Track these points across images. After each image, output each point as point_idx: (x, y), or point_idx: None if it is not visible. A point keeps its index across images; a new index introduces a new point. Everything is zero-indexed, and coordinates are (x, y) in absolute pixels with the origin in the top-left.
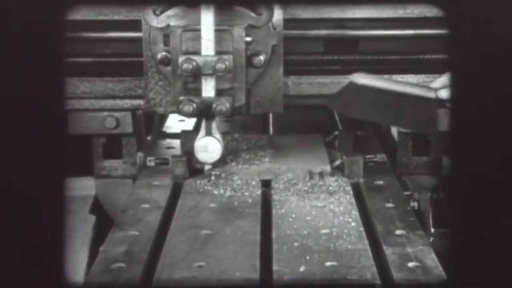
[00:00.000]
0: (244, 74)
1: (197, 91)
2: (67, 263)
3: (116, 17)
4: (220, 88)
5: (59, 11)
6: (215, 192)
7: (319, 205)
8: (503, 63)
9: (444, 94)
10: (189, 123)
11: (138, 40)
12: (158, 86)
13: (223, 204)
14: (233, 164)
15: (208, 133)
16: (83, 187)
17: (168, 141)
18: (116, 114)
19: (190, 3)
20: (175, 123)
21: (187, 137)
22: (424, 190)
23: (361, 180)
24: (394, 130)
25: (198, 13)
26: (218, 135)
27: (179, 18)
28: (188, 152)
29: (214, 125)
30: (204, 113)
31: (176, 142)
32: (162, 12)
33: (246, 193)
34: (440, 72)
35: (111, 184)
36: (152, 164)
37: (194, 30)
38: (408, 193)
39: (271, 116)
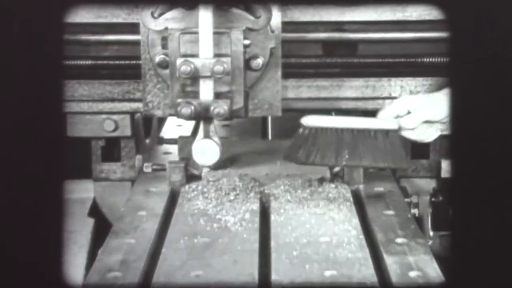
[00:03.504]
0: (243, 77)
1: (195, 94)
2: (65, 265)
3: (114, 20)
4: (218, 91)
5: (57, 14)
6: (213, 199)
7: (319, 212)
8: (504, 65)
9: (406, 123)
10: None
11: (136, 43)
12: (156, 89)
13: (222, 211)
14: (231, 170)
15: (206, 135)
16: (82, 190)
17: (166, 146)
18: (115, 117)
19: (189, 5)
20: (173, 128)
21: (185, 142)
22: (424, 193)
23: (361, 186)
24: None
25: (196, 15)
26: (216, 138)
27: (177, 21)
28: (186, 157)
29: (212, 127)
30: (202, 115)
31: (174, 148)
32: (160, 15)
33: (244, 200)
34: (439, 75)
35: (109, 187)
36: (149, 170)
37: (192, 33)
38: (409, 200)
39: (269, 121)
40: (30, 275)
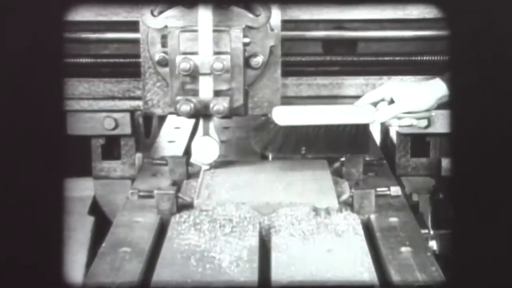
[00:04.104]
0: (242, 75)
1: (195, 92)
2: (65, 263)
3: (114, 18)
4: (218, 89)
5: (58, 12)
6: (206, 232)
7: (326, 249)
8: (503, 63)
9: (379, 117)
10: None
11: (136, 41)
12: (156, 87)
13: (215, 248)
14: (227, 196)
15: (206, 133)
16: (82, 188)
17: (155, 168)
18: (115, 115)
19: (188, 4)
20: (165, 144)
21: (177, 163)
22: (424, 191)
23: (372, 216)
24: (393, 131)
25: (196, 14)
26: (215, 136)
27: (177, 19)
28: (177, 181)
29: (211, 125)
30: (202, 113)
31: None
32: (160, 13)
33: (242, 233)
34: (439, 73)
35: (109, 185)
36: (135, 197)
37: (192, 31)
38: (426, 231)
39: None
40: (30, 273)
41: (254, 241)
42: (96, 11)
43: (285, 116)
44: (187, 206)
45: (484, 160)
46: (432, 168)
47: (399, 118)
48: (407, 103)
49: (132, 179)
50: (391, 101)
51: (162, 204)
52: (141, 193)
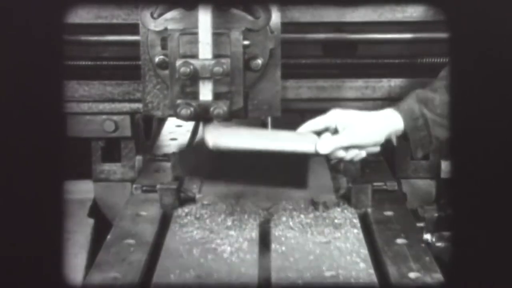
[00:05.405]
0: (242, 77)
1: (195, 95)
2: (65, 266)
3: (114, 21)
4: (217, 91)
5: (57, 14)
6: (208, 225)
7: (324, 241)
8: (504, 65)
9: (321, 147)
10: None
11: (136, 44)
12: (156, 89)
13: (217, 240)
14: (228, 191)
15: None
16: (82, 190)
17: (158, 164)
18: (115, 117)
19: (188, 6)
20: (167, 142)
21: (178, 159)
22: (426, 195)
23: (369, 210)
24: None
25: (196, 16)
26: None
27: (176, 22)
28: (179, 176)
29: None
30: (202, 116)
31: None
32: (159, 15)
33: (242, 226)
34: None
35: (109, 187)
36: (138, 192)
37: (192, 34)
38: (421, 224)
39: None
40: (30, 275)
41: (254, 233)
42: (96, 13)
43: (219, 138)
44: (189, 200)
45: (484, 162)
46: (432, 170)
47: (346, 150)
48: (352, 135)
49: (132, 181)
50: (335, 130)
51: (165, 198)
52: (145, 188)
